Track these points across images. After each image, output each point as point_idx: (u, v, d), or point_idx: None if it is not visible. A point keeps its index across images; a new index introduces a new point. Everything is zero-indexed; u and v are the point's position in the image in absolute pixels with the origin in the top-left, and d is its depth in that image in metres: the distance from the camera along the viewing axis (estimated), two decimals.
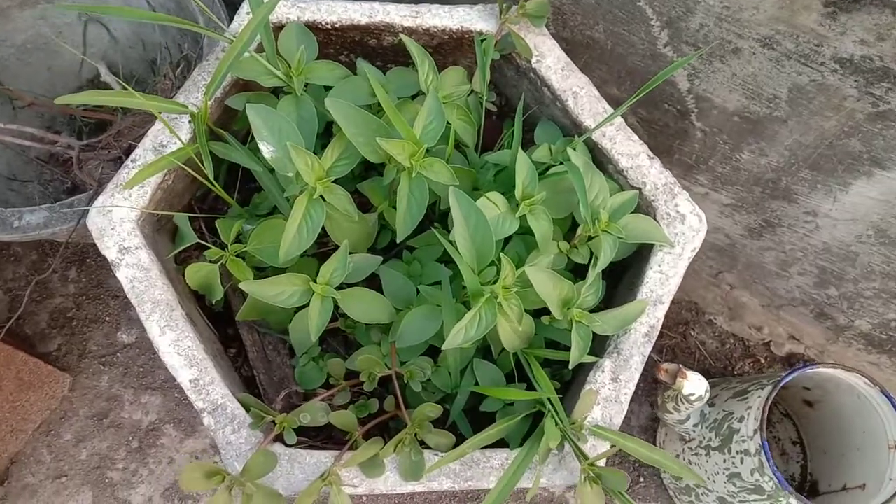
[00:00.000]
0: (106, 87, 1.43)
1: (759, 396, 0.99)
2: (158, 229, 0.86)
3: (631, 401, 1.33)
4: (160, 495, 1.27)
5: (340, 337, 0.88)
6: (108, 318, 1.37)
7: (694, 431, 1.12)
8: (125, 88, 1.44)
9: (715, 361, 1.37)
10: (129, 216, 0.78)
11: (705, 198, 1.14)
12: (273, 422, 0.72)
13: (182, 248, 0.80)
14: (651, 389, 1.35)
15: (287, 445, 0.72)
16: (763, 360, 1.37)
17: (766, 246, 1.16)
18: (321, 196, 0.73)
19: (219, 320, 0.91)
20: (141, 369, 1.34)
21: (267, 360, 0.85)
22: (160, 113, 0.77)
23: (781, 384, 0.97)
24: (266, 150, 0.74)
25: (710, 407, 1.11)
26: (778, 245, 1.13)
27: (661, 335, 1.38)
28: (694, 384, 0.97)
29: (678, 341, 1.38)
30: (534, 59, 0.89)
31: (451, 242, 0.71)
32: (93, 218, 0.78)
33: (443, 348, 0.67)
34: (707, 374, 1.36)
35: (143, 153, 0.81)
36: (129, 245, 0.77)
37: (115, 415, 1.31)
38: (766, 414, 0.95)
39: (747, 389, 1.05)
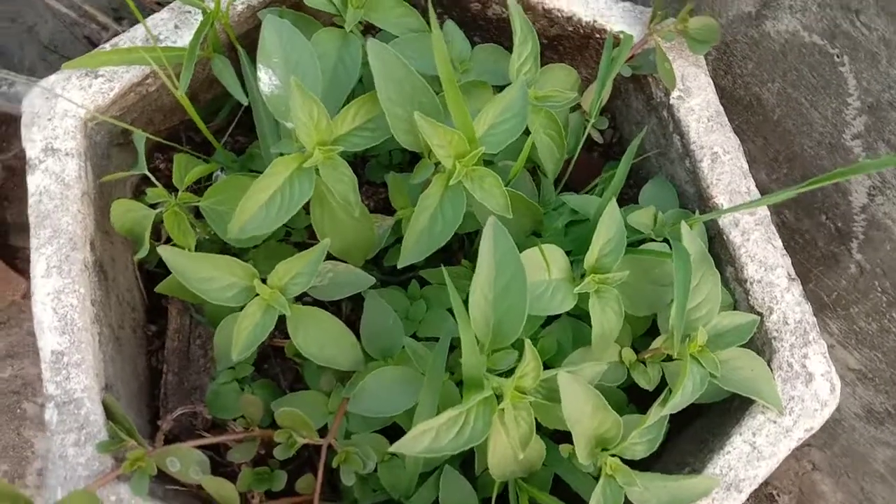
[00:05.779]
0: None
1: None
2: (121, 143, 0.65)
3: None
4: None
5: (289, 362, 0.64)
6: None
7: None
8: None
9: None
10: (75, 111, 0.58)
11: (828, 351, 0.86)
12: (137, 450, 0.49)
13: (126, 176, 0.58)
14: None
15: (135, 494, 0.49)
16: None
17: (884, 440, 0.87)
18: (316, 167, 0.51)
19: (158, 282, 0.69)
20: None
21: (186, 358, 0.62)
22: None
23: None
24: (266, 80, 0.52)
25: None
26: None
27: None
28: None
29: None
30: (675, 93, 0.64)
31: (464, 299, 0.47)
32: (31, 98, 0.58)
33: (391, 449, 0.43)
34: None
35: (130, 38, 0.60)
36: (60, 147, 0.57)
37: None
38: None
39: None
